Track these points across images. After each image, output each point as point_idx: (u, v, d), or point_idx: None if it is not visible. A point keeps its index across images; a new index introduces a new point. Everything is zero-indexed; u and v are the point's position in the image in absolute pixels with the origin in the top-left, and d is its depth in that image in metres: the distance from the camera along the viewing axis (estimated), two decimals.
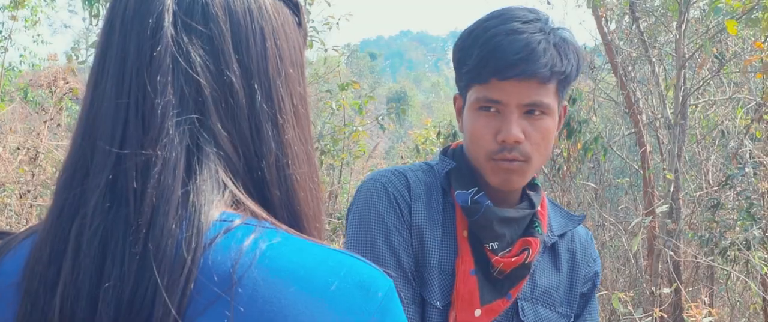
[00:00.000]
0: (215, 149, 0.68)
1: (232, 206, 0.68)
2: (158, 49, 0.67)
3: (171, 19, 0.69)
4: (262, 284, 0.63)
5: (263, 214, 0.69)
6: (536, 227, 1.38)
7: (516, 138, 1.27)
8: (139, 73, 0.67)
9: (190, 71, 0.68)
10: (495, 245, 1.32)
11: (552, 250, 1.44)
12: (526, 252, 1.33)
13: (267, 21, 0.74)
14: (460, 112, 1.39)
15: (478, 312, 1.32)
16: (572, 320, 1.44)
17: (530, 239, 1.35)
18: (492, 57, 1.25)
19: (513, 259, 1.32)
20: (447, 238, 1.34)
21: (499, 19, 1.29)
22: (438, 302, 1.31)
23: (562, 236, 1.45)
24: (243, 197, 0.69)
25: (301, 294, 0.63)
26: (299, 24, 0.80)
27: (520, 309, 1.37)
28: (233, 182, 0.69)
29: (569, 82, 1.32)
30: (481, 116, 1.30)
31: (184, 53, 0.68)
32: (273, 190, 0.72)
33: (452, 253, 1.33)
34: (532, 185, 1.40)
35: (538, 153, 1.31)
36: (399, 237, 1.32)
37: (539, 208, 1.40)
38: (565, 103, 1.40)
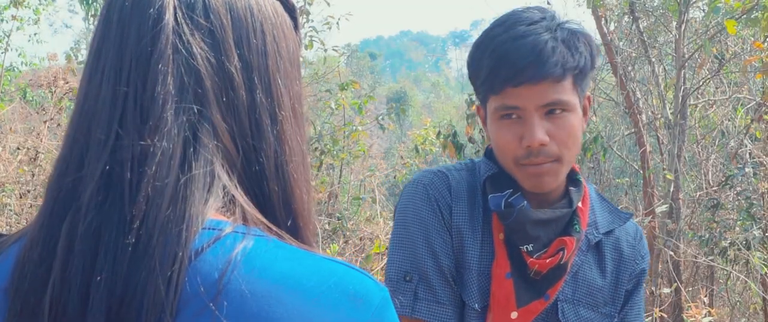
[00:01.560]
0: (214, 141, 0.67)
1: (224, 206, 0.67)
2: (160, 39, 0.67)
3: (172, 11, 0.68)
4: (250, 295, 0.61)
5: (257, 215, 0.69)
6: (575, 225, 1.35)
7: (540, 141, 1.25)
8: (138, 63, 0.67)
9: (192, 62, 0.68)
10: (530, 247, 1.30)
11: (597, 248, 1.41)
12: (562, 252, 1.31)
13: (266, 19, 0.74)
14: (484, 122, 1.38)
15: (514, 314, 1.31)
16: (616, 319, 1.41)
17: (566, 238, 1.32)
18: (502, 66, 1.24)
19: (548, 260, 1.31)
20: (486, 240, 1.33)
21: (504, 26, 1.28)
22: (476, 304, 1.31)
23: (608, 233, 1.42)
24: (237, 192, 0.68)
25: (291, 304, 0.62)
26: (295, 27, 0.80)
27: (560, 311, 1.35)
28: (229, 175, 0.68)
29: (586, 73, 1.30)
30: (504, 125, 1.29)
31: (185, 44, 0.68)
32: (272, 185, 0.71)
33: (490, 256, 1.32)
34: (574, 181, 1.38)
35: (568, 150, 1.29)
36: (439, 238, 1.31)
37: (580, 205, 1.38)
38: (588, 94, 1.38)
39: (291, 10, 0.79)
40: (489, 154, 1.41)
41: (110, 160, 0.65)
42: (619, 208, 1.49)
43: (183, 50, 0.68)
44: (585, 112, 1.37)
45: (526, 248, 1.30)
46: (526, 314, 1.31)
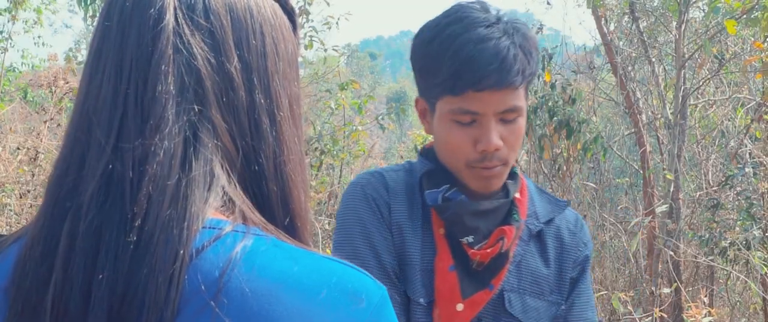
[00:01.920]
0: (214, 141, 0.68)
1: (224, 205, 0.68)
2: (160, 39, 0.67)
3: (173, 12, 0.69)
4: (250, 294, 0.62)
5: (255, 215, 0.69)
6: (514, 214, 1.38)
7: (496, 146, 1.28)
8: (139, 63, 0.67)
9: (192, 62, 0.68)
10: (470, 239, 1.33)
11: (538, 238, 1.44)
12: (502, 241, 1.34)
13: (266, 20, 0.75)
14: (424, 115, 1.40)
15: (460, 306, 1.33)
16: (563, 306, 1.44)
17: (505, 227, 1.35)
18: (466, 70, 1.24)
19: (489, 250, 1.33)
20: (427, 236, 1.36)
21: (461, 25, 1.28)
22: (421, 299, 1.33)
23: (548, 222, 1.45)
24: (236, 191, 0.69)
25: (291, 303, 0.62)
26: (294, 29, 0.81)
27: (506, 300, 1.37)
28: (228, 175, 0.68)
29: (533, 79, 1.34)
30: (457, 127, 1.30)
31: (185, 45, 0.68)
32: (270, 185, 0.72)
33: (432, 251, 1.35)
34: (511, 174, 1.41)
35: (515, 152, 1.33)
36: (380, 237, 1.33)
37: (518, 195, 1.41)
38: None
39: (290, 13, 0.80)
40: (425, 153, 1.43)
41: (111, 159, 0.65)
42: (556, 197, 1.51)
43: (183, 50, 0.68)
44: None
45: (467, 240, 1.33)
46: (471, 305, 1.34)
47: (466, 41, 1.26)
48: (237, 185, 0.69)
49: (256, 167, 0.71)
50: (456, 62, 1.25)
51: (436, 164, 1.38)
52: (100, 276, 0.61)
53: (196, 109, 0.67)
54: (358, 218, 1.34)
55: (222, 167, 0.68)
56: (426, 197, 1.36)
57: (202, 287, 0.62)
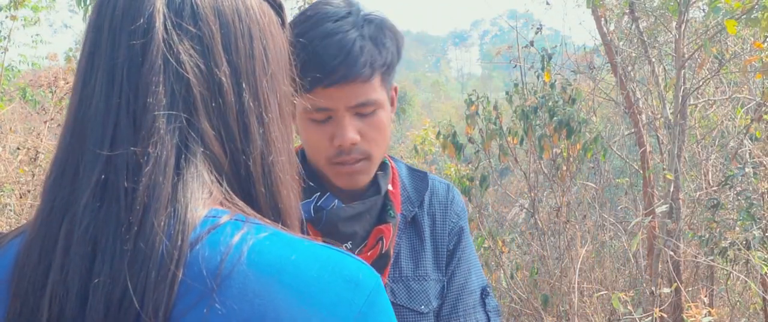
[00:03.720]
0: (202, 149, 0.69)
1: (220, 203, 0.69)
2: (150, 49, 0.68)
3: (162, 20, 0.69)
4: (251, 279, 0.63)
5: (250, 211, 0.71)
6: (389, 210, 1.36)
7: (352, 141, 1.26)
8: (130, 73, 0.68)
9: (181, 71, 0.69)
10: (349, 245, 1.32)
11: (413, 222, 1.42)
12: (381, 242, 1.33)
13: (254, 21, 0.75)
14: (293, 118, 1.36)
15: None
16: (445, 281, 1.42)
17: (383, 227, 1.34)
18: (311, 66, 1.23)
19: (369, 253, 1.32)
20: None
21: (311, 22, 1.26)
22: None
23: (421, 203, 1.43)
24: (228, 195, 0.70)
25: (290, 288, 0.64)
26: (282, 24, 0.81)
27: (390, 293, 1.36)
28: (218, 181, 0.70)
29: (393, 68, 1.31)
30: (314, 125, 1.28)
31: (174, 53, 0.69)
32: (258, 187, 0.73)
33: None
34: (381, 165, 1.38)
35: (378, 146, 1.31)
36: None
37: (391, 188, 1.39)
38: (395, 85, 1.39)
39: (277, 8, 0.81)
40: (298, 156, 1.40)
41: (105, 169, 0.66)
42: (419, 170, 1.48)
43: (173, 59, 0.69)
44: (393, 103, 1.38)
45: (346, 246, 1.31)
46: None
47: (313, 38, 1.24)
48: (228, 189, 0.70)
49: (244, 171, 0.72)
50: (302, 60, 1.23)
51: (305, 169, 1.35)
52: (97, 281, 0.62)
53: (185, 118, 0.68)
54: None
55: (210, 172, 0.69)
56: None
57: (204, 273, 0.63)
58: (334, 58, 1.22)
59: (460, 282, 1.43)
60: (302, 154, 1.40)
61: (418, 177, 1.46)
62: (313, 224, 1.32)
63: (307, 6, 1.44)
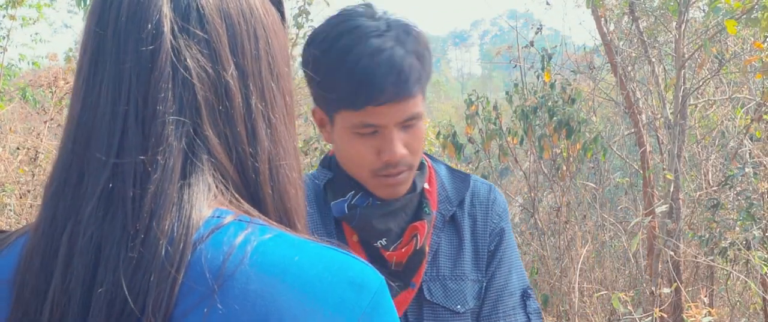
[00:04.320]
0: (206, 155, 0.68)
1: (224, 205, 0.69)
2: (159, 55, 0.68)
3: (169, 26, 0.69)
4: (254, 279, 0.63)
5: (255, 213, 0.70)
6: (424, 207, 1.38)
7: (401, 156, 1.28)
8: (138, 80, 0.67)
9: (189, 76, 0.68)
10: (383, 242, 1.33)
11: (452, 221, 1.43)
12: (415, 238, 1.34)
13: (259, 21, 0.75)
14: (323, 125, 1.37)
15: None
16: (486, 282, 1.43)
17: (417, 223, 1.35)
18: (364, 87, 1.23)
19: (403, 250, 1.33)
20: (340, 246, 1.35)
21: (353, 37, 1.25)
22: None
23: (461, 203, 1.44)
24: (233, 199, 0.70)
25: (293, 289, 0.63)
26: (282, 18, 0.81)
27: (425, 291, 1.37)
28: (224, 185, 0.69)
29: (429, 81, 1.33)
30: (359, 138, 1.29)
31: (182, 59, 0.68)
32: (266, 189, 0.73)
33: None
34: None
35: (417, 155, 1.33)
36: None
37: (427, 186, 1.40)
38: None
39: (277, 3, 0.80)
40: (326, 162, 1.42)
41: (111, 177, 0.66)
42: (462, 172, 1.49)
43: (181, 65, 0.68)
44: None
45: (380, 243, 1.33)
46: (398, 305, 1.33)
47: (361, 55, 1.23)
48: (234, 193, 0.70)
49: (253, 173, 0.72)
50: (353, 79, 1.23)
51: (337, 173, 1.37)
52: (100, 290, 0.62)
53: (192, 123, 0.68)
54: None
55: (215, 178, 0.69)
56: (333, 209, 1.35)
57: (207, 274, 0.63)
58: (386, 77, 1.23)
59: (501, 283, 1.43)
60: (331, 160, 1.41)
61: (459, 178, 1.47)
62: (347, 220, 1.34)
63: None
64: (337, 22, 1.30)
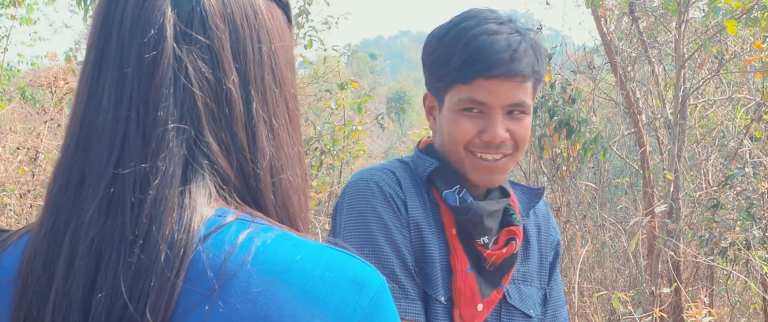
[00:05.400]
0: (207, 161, 0.68)
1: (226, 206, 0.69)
2: (161, 61, 0.67)
3: (172, 31, 0.68)
4: (255, 278, 0.63)
5: (257, 213, 0.70)
6: (512, 215, 1.40)
7: (502, 139, 1.30)
8: (140, 86, 0.67)
9: (190, 82, 0.68)
10: (486, 240, 1.35)
11: (523, 230, 1.46)
12: (514, 242, 1.37)
13: (263, 25, 0.74)
14: (430, 112, 1.40)
15: (480, 307, 1.34)
16: (546, 290, 1.48)
17: (514, 228, 1.38)
18: (478, 55, 1.27)
19: (503, 250, 1.36)
20: (440, 235, 1.35)
21: (475, 20, 1.31)
22: (442, 297, 1.33)
23: (528, 215, 1.48)
24: (235, 203, 0.70)
25: (294, 288, 0.64)
26: (289, 21, 0.80)
27: (506, 293, 1.40)
28: (226, 192, 0.69)
29: (540, 83, 1.37)
30: (465, 117, 1.31)
31: (184, 65, 0.68)
32: (267, 195, 0.72)
33: (446, 250, 1.35)
34: None
35: (519, 151, 1.35)
36: (399, 235, 1.32)
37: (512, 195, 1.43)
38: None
39: (284, 7, 0.79)
40: (426, 150, 1.42)
41: (112, 182, 0.66)
42: (529, 186, 1.54)
43: (182, 71, 0.68)
44: None
45: (483, 240, 1.34)
46: (488, 304, 1.36)
47: (479, 33, 1.29)
48: (236, 198, 0.70)
49: (253, 181, 0.72)
50: (468, 50, 1.28)
51: (442, 162, 1.38)
52: (100, 295, 0.62)
53: (193, 130, 0.68)
54: (376, 214, 1.31)
55: (216, 183, 0.69)
56: (445, 198, 1.35)
57: (209, 273, 0.63)
58: (501, 52, 1.27)
59: (558, 296, 1.50)
60: (431, 149, 1.41)
61: (527, 191, 1.51)
62: (459, 213, 1.34)
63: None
64: (462, 14, 1.36)
